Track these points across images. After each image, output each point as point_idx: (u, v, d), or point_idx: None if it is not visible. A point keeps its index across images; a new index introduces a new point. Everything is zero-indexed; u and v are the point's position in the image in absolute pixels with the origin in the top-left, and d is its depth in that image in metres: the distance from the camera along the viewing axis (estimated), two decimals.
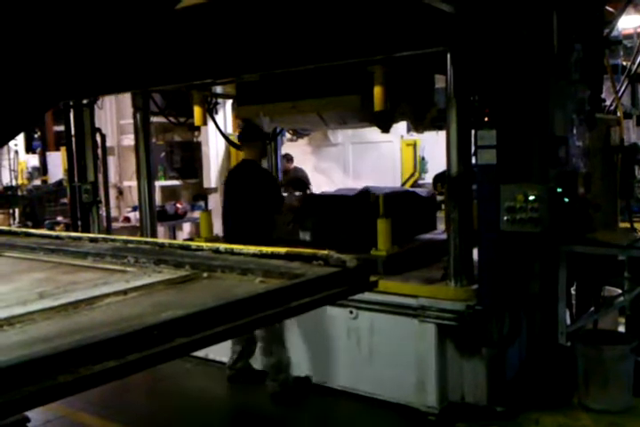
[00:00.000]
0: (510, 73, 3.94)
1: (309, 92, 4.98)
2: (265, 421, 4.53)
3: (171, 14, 2.01)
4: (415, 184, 8.92)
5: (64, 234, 3.18)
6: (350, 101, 4.77)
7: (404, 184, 8.81)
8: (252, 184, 4.82)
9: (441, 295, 4.09)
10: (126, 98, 7.49)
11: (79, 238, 3.04)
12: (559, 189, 3.97)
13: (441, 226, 5.49)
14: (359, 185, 6.78)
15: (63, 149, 7.39)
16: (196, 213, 8.44)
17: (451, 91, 4.07)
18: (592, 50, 4.57)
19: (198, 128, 8.63)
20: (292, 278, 2.00)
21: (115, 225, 7.73)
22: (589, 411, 4.12)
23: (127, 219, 8.66)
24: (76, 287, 2.08)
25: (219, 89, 6.40)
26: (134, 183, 6.73)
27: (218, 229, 6.36)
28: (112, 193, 8.20)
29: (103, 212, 6.61)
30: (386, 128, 5.05)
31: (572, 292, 4.69)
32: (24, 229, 3.55)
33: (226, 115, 8.61)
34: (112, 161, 8.72)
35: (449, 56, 4.03)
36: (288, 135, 7.89)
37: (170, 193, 9.45)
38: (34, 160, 12.49)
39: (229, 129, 8.81)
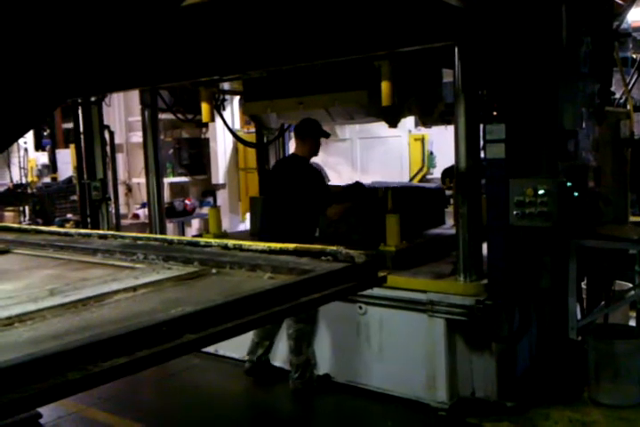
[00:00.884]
0: (519, 67, 3.92)
1: (317, 88, 4.97)
2: (276, 416, 4.54)
3: (177, 11, 2.01)
4: (423, 179, 8.90)
5: (73, 231, 3.19)
6: (358, 97, 4.76)
7: (412, 179, 8.79)
8: (301, 180, 4.62)
9: (450, 290, 4.08)
10: (134, 95, 7.50)
11: (89, 235, 3.05)
12: (569, 183, 3.94)
13: (450, 221, 5.48)
14: (367, 180, 6.78)
15: (72, 146, 7.43)
16: (205, 210, 8.47)
17: (459, 85, 4.04)
18: (601, 43, 4.53)
19: (206, 125, 8.65)
20: (301, 274, 2.00)
21: (124, 222, 7.77)
22: (600, 406, 4.10)
23: (136, 215, 8.69)
24: (86, 284, 2.09)
25: (226, 85, 6.41)
26: (143, 180, 6.75)
27: (226, 225, 6.39)
28: (121, 190, 8.23)
29: (112, 209, 6.63)
30: (393, 123, 5.04)
31: (583, 286, 4.67)
32: (34, 227, 3.57)
33: (233, 111, 8.62)
34: (121, 158, 8.75)
35: (457, 50, 4.01)
36: None
37: (178, 190, 9.48)
38: (43, 158, 12.55)
39: (237, 125, 8.82)
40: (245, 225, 8.22)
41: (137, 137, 8.46)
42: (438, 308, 4.10)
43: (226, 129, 6.86)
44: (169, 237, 2.99)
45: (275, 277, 2.07)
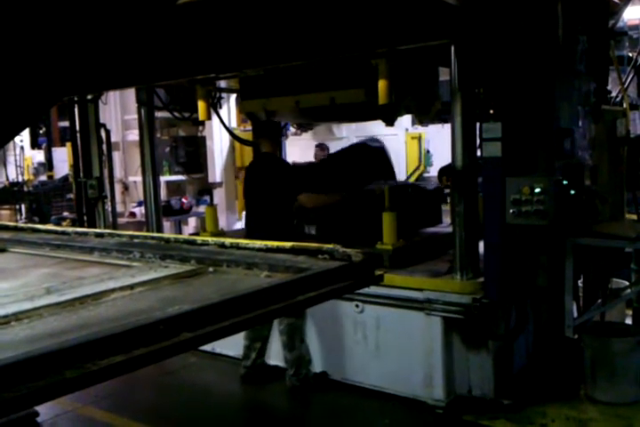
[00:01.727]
0: (515, 65, 3.92)
1: (313, 86, 4.97)
2: (273, 414, 4.55)
3: (174, 9, 2.01)
4: (420, 177, 8.91)
5: (70, 229, 3.19)
6: (354, 95, 4.75)
7: (408, 177, 8.80)
8: (273, 176, 4.79)
9: (447, 288, 4.09)
10: (130, 93, 7.48)
11: (85, 234, 3.04)
12: (565, 182, 3.95)
13: (446, 219, 5.49)
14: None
15: (69, 144, 7.40)
16: (202, 208, 8.45)
17: (455, 83, 4.05)
18: (597, 41, 4.54)
19: (202, 123, 8.61)
20: (298, 272, 2.00)
21: (120, 220, 7.75)
22: (597, 403, 4.12)
23: (133, 214, 8.68)
24: (83, 282, 2.09)
25: (222, 83, 6.40)
26: (139, 178, 6.74)
27: (223, 223, 6.38)
28: (117, 188, 8.22)
29: (109, 207, 6.62)
30: (390, 121, 5.04)
31: (579, 284, 4.68)
32: (30, 225, 3.56)
33: (230, 109, 8.59)
34: (117, 156, 8.73)
35: (453, 49, 4.01)
36: (292, 129, 7.87)
37: (175, 188, 9.47)
38: (39, 156, 12.52)
39: (233, 123, 8.80)
40: (242, 223, 8.21)
41: (133, 135, 8.44)
42: (435, 306, 4.11)
43: (222, 127, 6.84)
44: (166, 235, 2.99)
45: (271, 275, 2.07)
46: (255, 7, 4.25)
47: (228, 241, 2.54)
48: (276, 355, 4.89)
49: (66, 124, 8.84)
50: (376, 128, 8.08)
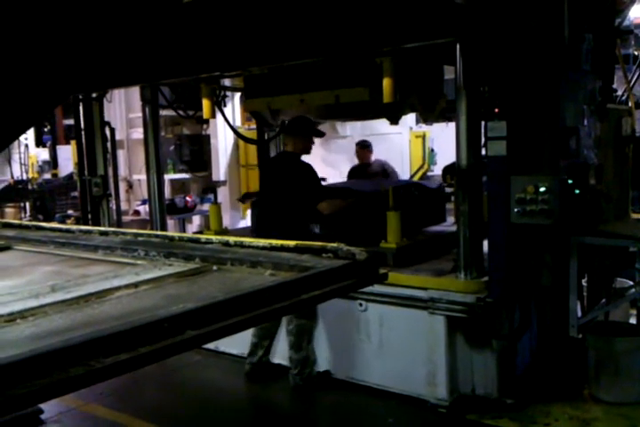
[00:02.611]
0: (520, 63, 3.91)
1: (318, 85, 4.96)
2: (277, 412, 4.55)
3: (179, 8, 2.01)
4: (424, 176, 8.89)
5: (75, 227, 3.20)
6: (359, 94, 4.75)
7: (412, 176, 8.78)
8: (292, 175, 4.68)
9: (451, 287, 4.08)
10: (135, 91, 7.50)
11: (90, 232, 3.05)
12: (570, 181, 3.94)
13: (450, 218, 5.48)
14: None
15: (73, 142, 7.42)
16: (206, 206, 8.47)
17: (460, 82, 4.04)
18: (603, 40, 4.52)
19: (207, 121, 8.63)
20: (302, 271, 2.00)
21: (124, 218, 7.77)
22: (600, 403, 4.11)
23: (137, 212, 8.70)
24: (87, 280, 2.09)
25: (227, 82, 6.40)
26: (144, 177, 6.75)
27: (227, 221, 6.39)
28: (122, 186, 8.23)
29: (113, 205, 6.63)
30: (395, 120, 5.03)
31: (584, 284, 4.67)
32: (35, 223, 3.57)
33: (234, 108, 8.60)
34: (121, 154, 8.74)
35: (458, 47, 4.00)
36: None
37: (179, 186, 9.48)
38: (44, 154, 12.55)
39: (238, 122, 8.81)
40: (246, 222, 8.22)
41: (138, 133, 8.45)
42: (439, 305, 4.11)
43: (227, 125, 6.84)
44: (170, 233, 3.00)
45: (276, 273, 2.07)
46: (260, 5, 4.25)
47: (232, 239, 2.55)
48: (280, 354, 4.89)
49: (70, 122, 8.84)
50: (380, 126, 8.08)
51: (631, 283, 4.91)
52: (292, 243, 2.34)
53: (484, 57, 3.97)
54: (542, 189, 3.76)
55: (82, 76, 1.90)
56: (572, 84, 4.14)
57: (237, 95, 8.36)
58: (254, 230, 5.04)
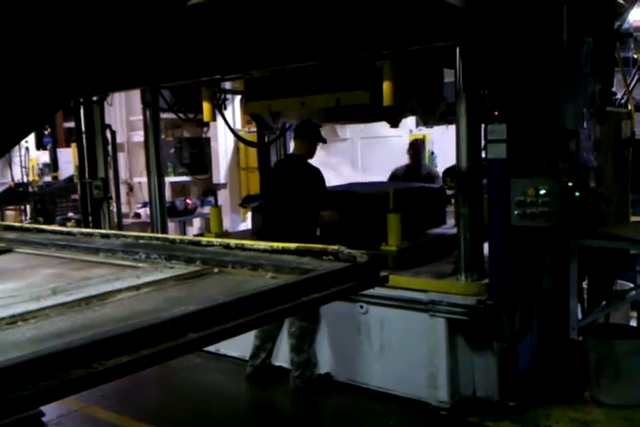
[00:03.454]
0: (520, 67, 3.92)
1: (318, 88, 4.97)
2: (277, 415, 4.55)
3: (180, 11, 2.02)
4: None
5: (76, 230, 3.20)
6: (359, 97, 4.76)
7: None
8: (301, 178, 4.70)
9: (452, 290, 4.09)
10: (136, 94, 7.51)
11: (91, 234, 3.05)
12: (570, 183, 3.94)
13: (451, 220, 5.48)
14: (368, 180, 6.78)
15: (74, 145, 7.43)
16: (206, 209, 8.48)
17: (460, 85, 4.04)
18: (603, 43, 4.53)
19: (207, 124, 8.65)
20: (303, 274, 2.00)
21: (125, 221, 7.77)
22: (601, 406, 4.11)
23: (137, 215, 8.71)
24: (89, 283, 2.09)
25: (227, 85, 6.41)
26: (144, 179, 6.76)
27: (227, 224, 6.40)
28: (122, 189, 8.24)
29: (114, 208, 6.63)
30: (395, 123, 5.04)
31: (584, 286, 4.68)
32: (36, 226, 3.57)
33: (235, 111, 8.62)
34: (122, 157, 8.76)
35: (458, 50, 4.01)
36: None
37: (180, 189, 9.50)
38: (44, 157, 12.55)
39: (238, 125, 8.83)
40: (247, 224, 8.22)
41: (138, 136, 8.47)
42: (439, 307, 4.11)
43: (227, 128, 6.86)
44: (171, 236, 3.00)
45: (277, 276, 2.07)
46: (260, 9, 4.26)
47: (233, 242, 2.55)
48: (281, 356, 4.89)
49: (71, 125, 8.86)
50: (380, 129, 8.09)
51: (631, 285, 4.91)
52: (292, 245, 2.34)
53: (483, 60, 3.98)
54: (542, 192, 3.76)
55: (83, 80, 1.90)
56: (572, 87, 4.16)
57: (238, 98, 8.38)
58: (256, 233, 5.03)
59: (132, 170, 9.31)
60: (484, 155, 4.09)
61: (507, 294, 3.95)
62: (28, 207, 10.89)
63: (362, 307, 4.50)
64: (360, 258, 2.09)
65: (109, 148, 6.54)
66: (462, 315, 4.03)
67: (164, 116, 6.94)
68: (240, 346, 4.90)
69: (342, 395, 4.57)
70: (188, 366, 5.06)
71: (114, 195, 6.62)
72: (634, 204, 5.18)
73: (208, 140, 9.16)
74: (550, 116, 3.97)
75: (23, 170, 12.12)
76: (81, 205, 6.66)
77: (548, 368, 4.34)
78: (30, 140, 12.43)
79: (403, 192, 5.10)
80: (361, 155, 9.52)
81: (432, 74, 5.18)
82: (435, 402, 4.18)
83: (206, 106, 5.53)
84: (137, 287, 1.99)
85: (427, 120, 5.64)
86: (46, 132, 12.98)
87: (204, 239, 2.70)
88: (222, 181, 8.99)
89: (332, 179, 8.28)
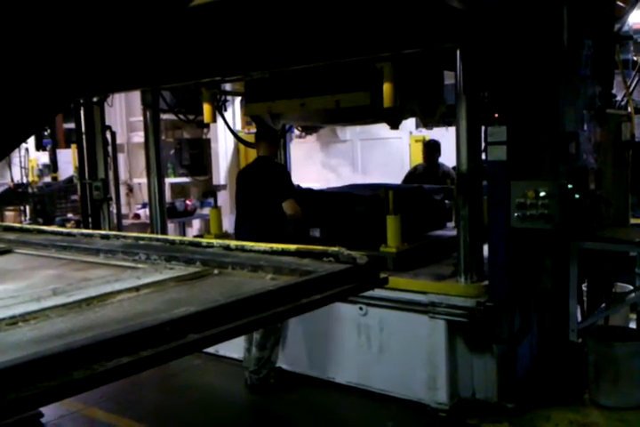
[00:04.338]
0: (520, 69, 3.93)
1: (318, 90, 4.98)
2: (277, 416, 4.55)
3: (182, 12, 2.02)
4: None
5: (76, 231, 3.20)
6: (360, 98, 4.76)
7: None
8: (266, 178, 4.83)
9: (451, 292, 4.09)
10: (136, 95, 7.51)
11: (91, 235, 3.05)
12: (570, 186, 3.95)
13: (450, 222, 5.49)
14: (368, 181, 6.78)
15: (74, 146, 7.43)
16: (206, 210, 8.47)
17: (460, 87, 4.05)
18: (603, 45, 4.54)
19: (207, 125, 8.64)
20: (303, 275, 2.00)
21: (125, 222, 7.76)
22: (600, 408, 4.11)
23: (137, 216, 8.70)
24: (89, 284, 2.09)
25: (228, 86, 6.42)
26: (144, 180, 6.75)
27: (227, 225, 6.39)
28: (122, 190, 8.24)
29: (113, 209, 6.63)
30: (395, 124, 5.04)
31: (584, 288, 4.68)
32: (36, 227, 3.57)
33: (235, 112, 8.62)
34: (122, 158, 8.75)
35: (458, 52, 4.02)
36: (297, 132, 7.88)
37: (179, 190, 9.49)
38: (44, 157, 12.54)
39: (238, 126, 8.83)
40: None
41: (138, 137, 8.47)
42: (439, 309, 4.11)
43: (227, 130, 6.86)
44: (171, 237, 3.00)
45: (277, 277, 2.07)
46: (261, 10, 4.26)
47: (232, 243, 2.55)
48: (281, 357, 4.88)
49: (70, 126, 8.86)
50: (380, 131, 8.09)
51: (631, 287, 4.91)
52: (292, 247, 2.34)
53: (484, 62, 3.98)
54: (542, 194, 3.77)
55: (83, 81, 1.90)
56: (572, 89, 4.16)
57: (238, 99, 8.39)
58: (235, 229, 5.11)
59: (132, 171, 9.30)
60: (483, 157, 4.10)
61: (506, 296, 3.95)
62: (27, 208, 10.89)
63: (361, 308, 4.50)
64: (360, 259, 2.10)
65: (109, 149, 6.54)
66: (462, 317, 4.03)
67: (164, 117, 6.93)
68: (239, 347, 4.90)
69: (341, 396, 4.56)
70: (187, 367, 5.06)
71: (114, 196, 6.61)
72: (633, 206, 5.18)
73: (208, 141, 9.16)
74: (550, 119, 3.97)
75: (23, 171, 12.11)
76: (81, 205, 6.66)
77: (548, 370, 4.34)
78: (30, 140, 12.41)
79: (402, 194, 5.10)
80: (361, 156, 9.52)
81: (432, 76, 5.19)
82: (434, 404, 4.18)
83: (207, 107, 5.53)
84: (137, 288, 1.99)
85: (427, 122, 5.63)
86: (46, 133, 12.98)
87: (204, 240, 2.70)
88: (222, 182, 8.98)
89: (331, 180, 8.30)
